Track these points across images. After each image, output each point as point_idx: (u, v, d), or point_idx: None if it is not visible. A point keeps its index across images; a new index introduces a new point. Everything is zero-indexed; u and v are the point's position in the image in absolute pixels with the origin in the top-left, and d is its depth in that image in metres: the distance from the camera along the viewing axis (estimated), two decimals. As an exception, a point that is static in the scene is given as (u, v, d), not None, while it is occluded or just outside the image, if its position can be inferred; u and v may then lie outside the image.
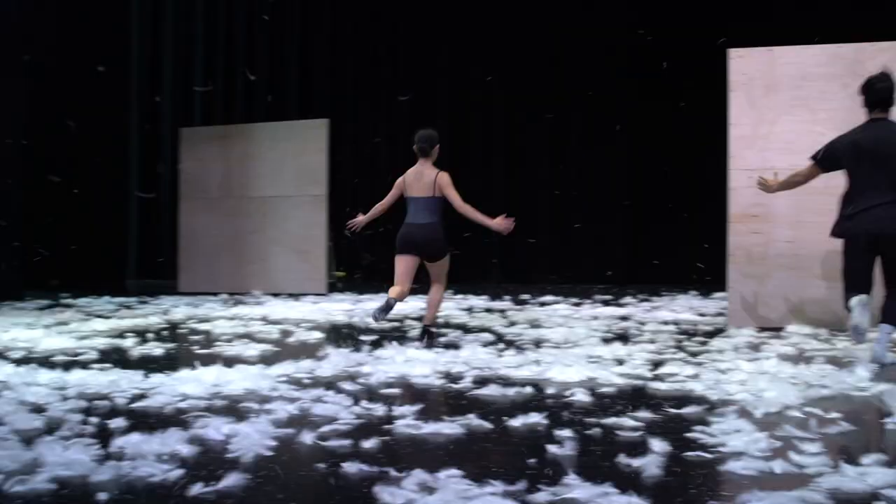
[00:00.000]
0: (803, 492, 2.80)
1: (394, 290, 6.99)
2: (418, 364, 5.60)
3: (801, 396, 4.46)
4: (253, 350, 6.46)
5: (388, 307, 6.96)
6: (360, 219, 7.43)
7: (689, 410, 4.15)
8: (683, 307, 9.74)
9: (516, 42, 14.40)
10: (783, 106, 7.97)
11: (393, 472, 3.12)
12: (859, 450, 3.32)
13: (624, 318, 8.61)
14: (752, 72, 8.06)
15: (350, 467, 3.21)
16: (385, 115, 15.42)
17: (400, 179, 7.16)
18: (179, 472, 3.16)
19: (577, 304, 10.22)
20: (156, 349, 6.59)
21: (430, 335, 6.95)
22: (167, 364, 5.81)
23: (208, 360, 5.67)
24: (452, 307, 10.05)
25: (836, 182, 6.25)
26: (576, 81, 14.17)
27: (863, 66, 7.76)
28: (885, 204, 5.65)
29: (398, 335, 7.45)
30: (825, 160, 6.14)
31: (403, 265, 7.10)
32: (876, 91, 5.89)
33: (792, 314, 7.80)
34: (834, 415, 4.06)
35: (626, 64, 13.99)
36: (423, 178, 7.01)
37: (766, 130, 7.99)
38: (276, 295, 11.78)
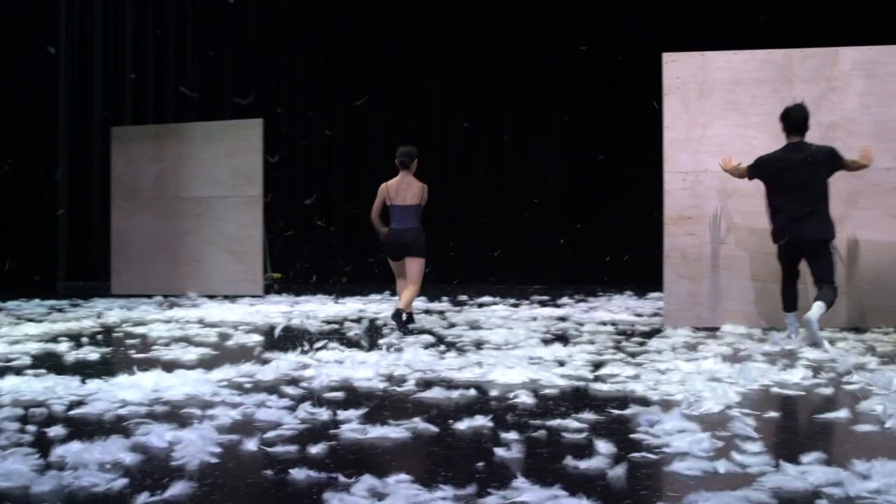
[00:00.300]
0: (747, 491, 2.86)
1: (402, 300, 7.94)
2: (361, 367, 5.59)
3: (739, 395, 4.56)
4: (191, 354, 6.38)
5: (399, 314, 7.75)
6: (384, 230, 8.13)
7: (631, 411, 4.20)
8: (620, 307, 9.87)
9: (453, 44, 14.40)
10: (716, 110, 8.13)
11: (342, 478, 3.11)
12: (799, 448, 3.41)
13: (562, 319, 8.69)
14: (686, 76, 8.21)
15: (298, 474, 3.19)
16: (323, 115, 15.32)
17: (382, 189, 8.06)
18: (123, 481, 3.11)
19: (514, 305, 10.29)
20: (91, 354, 6.47)
21: (402, 318, 7.73)
22: (104, 369, 5.71)
23: (146, 365, 5.58)
24: (391, 308, 10.03)
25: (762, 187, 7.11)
26: (512, 85, 14.25)
27: (792, 71, 8.01)
28: (808, 214, 6.75)
29: (339, 337, 7.40)
30: (753, 170, 7.18)
31: (398, 267, 8.15)
32: (792, 118, 6.94)
33: (726, 314, 7.96)
34: (772, 413, 4.17)
35: (563, 67, 14.12)
36: (410, 189, 7.96)
37: (700, 133, 8.14)
38: (211, 297, 11.64)
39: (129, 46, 15.87)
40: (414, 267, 7.96)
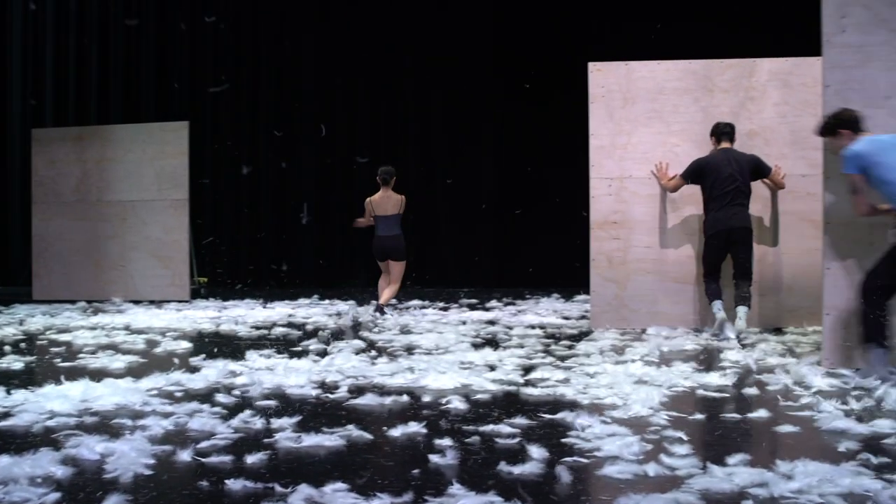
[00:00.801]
0: (676, 494, 2.96)
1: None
2: (293, 374, 5.58)
3: (666, 398, 4.69)
4: (119, 362, 6.30)
5: (379, 308, 9.46)
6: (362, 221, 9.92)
7: (562, 416, 4.29)
8: (548, 310, 10.01)
9: (383, 48, 14.44)
10: (639, 118, 8.32)
11: (278, 488, 3.13)
12: (725, 449, 3.53)
13: (491, 323, 8.78)
14: (611, 85, 8.37)
15: (234, 484, 3.19)
16: (246, 117, 15.19)
17: (368, 203, 9.75)
18: (56, 495, 3.08)
19: (444, 309, 10.36)
20: (15, 363, 6.34)
21: (381, 310, 9.41)
22: (29, 379, 5.61)
23: (73, 374, 5.50)
24: (320, 312, 10.03)
25: (689, 192, 7.85)
26: (442, 89, 14.35)
27: (712, 81, 8.25)
28: (735, 205, 7.61)
29: (268, 344, 7.37)
30: (689, 175, 7.86)
31: (383, 266, 9.83)
32: (720, 128, 7.86)
33: (650, 316, 8.16)
34: (698, 415, 4.30)
35: (493, 72, 14.24)
36: (390, 201, 9.63)
37: (624, 141, 8.32)
38: (137, 302, 11.47)
39: (50, 47, 15.52)
40: (395, 269, 9.70)
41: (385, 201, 9.66)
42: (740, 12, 12.58)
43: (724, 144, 7.81)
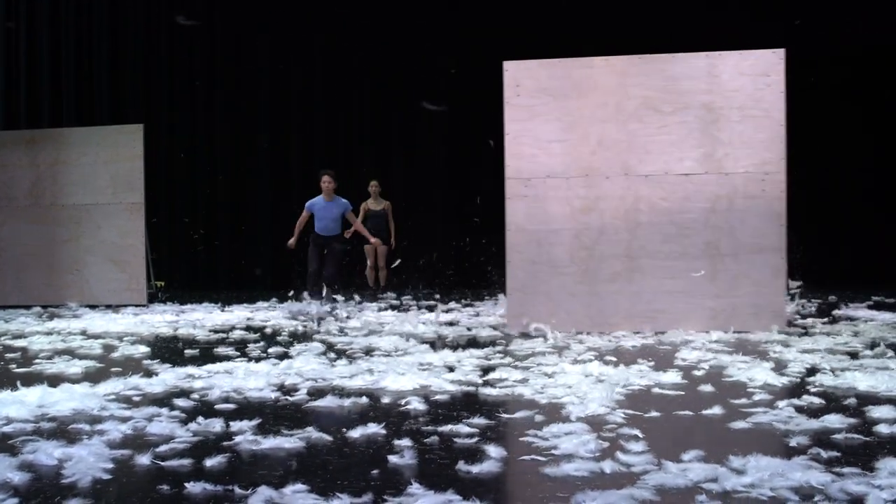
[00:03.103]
0: (632, 489, 3.01)
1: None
2: (252, 377, 5.57)
3: (622, 396, 4.76)
4: (76, 367, 6.24)
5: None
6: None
7: (520, 415, 4.34)
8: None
9: (330, 55, 14.46)
10: (547, 114, 8.38)
11: (238, 490, 3.13)
12: (679, 446, 3.59)
13: (451, 324, 8.82)
14: (523, 81, 8.42)
15: (193, 487, 3.18)
16: (203, 119, 15.11)
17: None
18: (13, 501, 3.06)
19: (403, 310, 10.38)
20: (-32, 369, 6.26)
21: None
22: (-17, 385, 5.53)
23: (29, 380, 5.45)
24: (277, 315, 10.01)
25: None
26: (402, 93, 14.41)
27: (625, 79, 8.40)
28: None
29: (227, 346, 7.35)
30: None
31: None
32: None
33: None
34: (654, 413, 4.37)
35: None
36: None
37: (532, 138, 8.38)
38: (93, 307, 11.36)
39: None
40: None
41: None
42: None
43: None
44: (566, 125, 8.32)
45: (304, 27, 14.62)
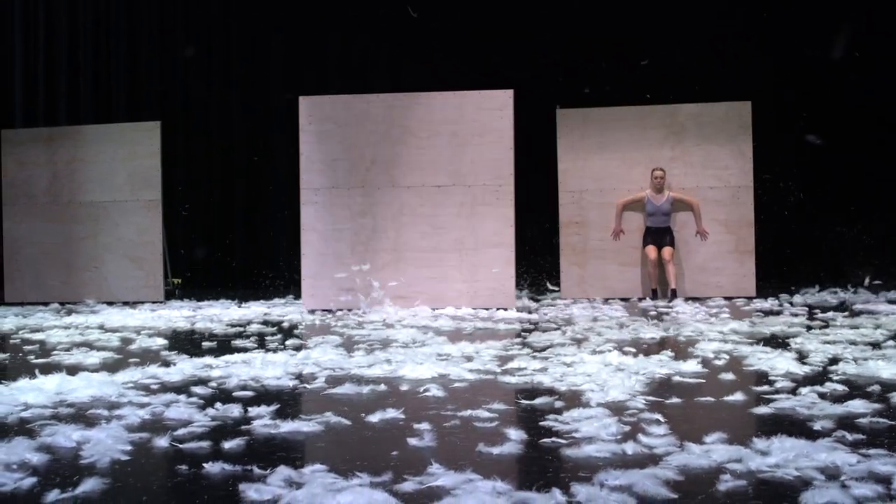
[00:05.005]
0: (655, 469, 2.97)
1: None
2: (270, 366, 5.56)
3: (643, 385, 4.71)
4: (94, 358, 6.25)
5: None
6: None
7: (540, 401, 4.30)
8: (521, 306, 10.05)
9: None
10: (333, 137, 10.33)
11: (257, 470, 3.11)
12: (701, 430, 3.55)
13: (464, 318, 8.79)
14: (314, 112, 10.36)
15: (212, 467, 3.17)
16: (217, 117, 15.13)
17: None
18: (32, 479, 3.05)
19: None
20: (-13, 360, 6.28)
21: None
22: (2, 374, 5.55)
23: (48, 369, 5.45)
24: (294, 311, 10.00)
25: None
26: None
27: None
28: None
29: (244, 339, 7.34)
30: None
31: None
32: None
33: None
34: (675, 399, 4.32)
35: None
36: None
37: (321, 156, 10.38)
38: (110, 303, 11.39)
39: (18, 46, 15.37)
40: None
41: None
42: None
43: None
44: (347, 147, 10.35)
45: (318, 28, 14.63)
